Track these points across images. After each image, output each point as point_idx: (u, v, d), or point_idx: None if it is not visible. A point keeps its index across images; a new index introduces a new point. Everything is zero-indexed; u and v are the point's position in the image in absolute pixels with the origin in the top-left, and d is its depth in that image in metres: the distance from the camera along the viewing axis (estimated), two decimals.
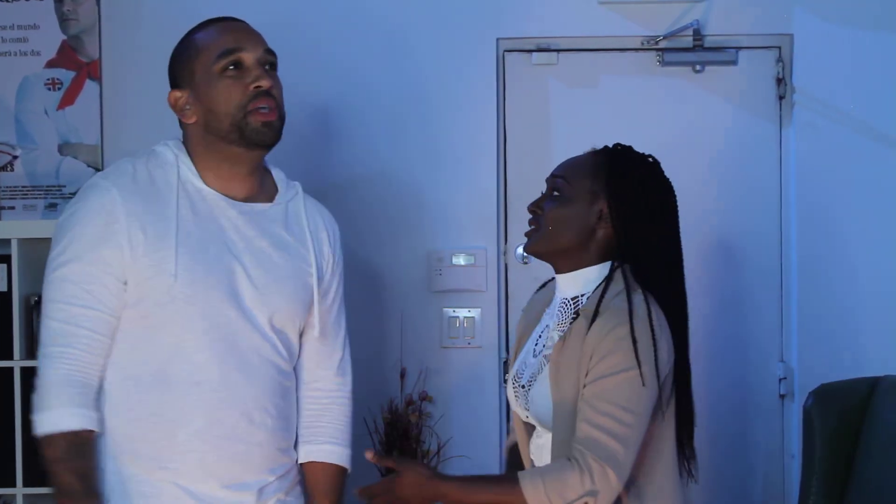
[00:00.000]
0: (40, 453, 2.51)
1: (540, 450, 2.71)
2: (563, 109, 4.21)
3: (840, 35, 4.13)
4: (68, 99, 4.16)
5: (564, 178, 2.69)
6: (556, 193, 2.69)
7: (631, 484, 2.55)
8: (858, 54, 4.13)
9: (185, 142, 2.68)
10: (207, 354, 2.56)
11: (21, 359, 3.82)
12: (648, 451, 2.58)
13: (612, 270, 2.63)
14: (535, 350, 2.76)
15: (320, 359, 2.83)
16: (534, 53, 4.20)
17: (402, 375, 4.10)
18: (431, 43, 4.18)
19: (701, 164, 4.15)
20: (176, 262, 2.51)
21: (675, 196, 2.70)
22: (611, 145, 2.76)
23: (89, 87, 4.17)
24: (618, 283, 2.60)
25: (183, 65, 2.64)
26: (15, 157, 4.14)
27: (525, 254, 4.02)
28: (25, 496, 3.83)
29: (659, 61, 4.19)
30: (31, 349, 3.83)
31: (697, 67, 4.17)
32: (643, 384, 2.49)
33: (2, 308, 3.85)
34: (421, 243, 4.20)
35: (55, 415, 2.49)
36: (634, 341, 2.50)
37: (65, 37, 4.17)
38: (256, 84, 2.61)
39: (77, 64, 4.17)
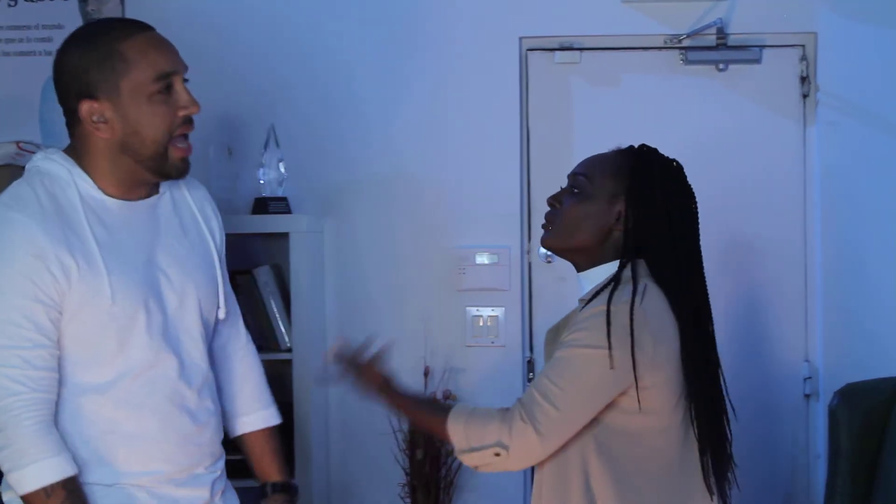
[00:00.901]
0: None
1: None
2: (586, 108, 4.21)
3: (864, 33, 4.12)
4: None
5: (586, 176, 2.66)
6: (575, 190, 2.66)
7: (623, 477, 2.52)
8: (883, 52, 4.11)
9: (80, 151, 2.50)
10: (150, 366, 2.50)
11: None
12: (641, 447, 2.54)
13: (621, 267, 2.59)
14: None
15: (230, 335, 2.80)
16: (557, 52, 4.20)
17: (427, 374, 4.10)
18: (455, 42, 4.19)
19: (724, 162, 4.14)
20: (110, 285, 2.43)
21: (695, 202, 2.67)
22: (636, 145, 2.74)
23: None
24: (625, 279, 2.57)
25: (104, 75, 2.42)
26: None
27: (546, 251, 4.02)
28: None
29: (682, 60, 4.18)
30: None
31: (721, 66, 4.17)
32: (611, 367, 2.44)
33: None
34: (444, 242, 4.20)
35: (49, 465, 2.38)
36: (608, 323, 2.46)
37: None
38: (188, 111, 2.50)
39: None
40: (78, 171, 2.48)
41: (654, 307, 2.52)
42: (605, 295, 2.52)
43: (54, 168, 2.48)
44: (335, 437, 4.22)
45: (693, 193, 2.68)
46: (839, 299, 4.11)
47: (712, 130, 4.15)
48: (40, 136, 4.17)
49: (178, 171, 2.52)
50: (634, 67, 4.21)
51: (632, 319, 2.46)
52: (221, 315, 2.68)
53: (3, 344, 2.38)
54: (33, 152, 3.98)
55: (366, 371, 2.66)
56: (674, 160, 2.71)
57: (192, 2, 4.21)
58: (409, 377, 4.10)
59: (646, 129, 4.11)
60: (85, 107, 2.43)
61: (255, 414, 2.81)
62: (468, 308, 4.19)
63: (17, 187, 2.48)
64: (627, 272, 2.57)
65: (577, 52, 4.20)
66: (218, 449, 2.68)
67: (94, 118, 2.44)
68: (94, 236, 2.44)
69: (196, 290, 2.59)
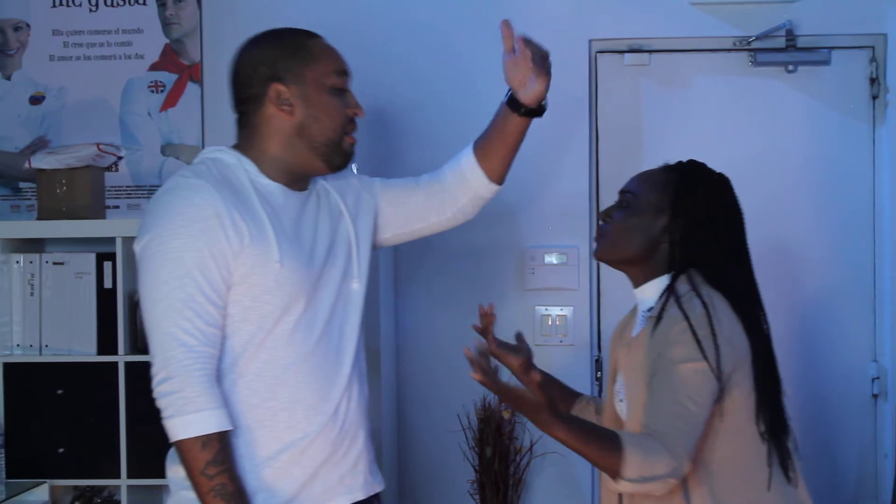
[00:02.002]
0: (187, 457, 2.48)
1: None
2: (655, 110, 4.23)
3: None
4: (171, 101, 4.27)
5: (633, 193, 2.77)
6: (624, 205, 2.77)
7: (713, 478, 2.57)
8: None
9: (252, 136, 2.70)
10: (306, 335, 2.62)
11: (125, 354, 3.91)
12: (724, 447, 2.59)
13: (673, 279, 2.66)
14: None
15: (429, 193, 3.02)
16: (626, 55, 4.23)
17: (496, 373, 4.13)
18: None
19: (793, 164, 4.15)
20: (279, 250, 2.56)
21: (740, 214, 2.74)
22: (685, 161, 2.82)
23: (191, 89, 4.27)
24: (682, 288, 2.63)
25: (292, 63, 2.67)
26: (119, 158, 4.24)
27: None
28: (130, 487, 3.90)
29: (751, 62, 4.19)
30: (136, 345, 3.94)
31: (790, 67, 4.18)
32: (714, 376, 2.51)
33: (107, 304, 3.93)
34: (514, 242, 4.24)
35: (213, 415, 2.48)
36: (696, 336, 2.52)
37: (167, 40, 4.28)
38: (356, 112, 2.73)
39: (179, 67, 4.27)
40: (246, 160, 2.67)
41: (725, 315, 2.59)
42: (675, 308, 2.59)
43: (224, 156, 2.68)
44: (405, 434, 4.27)
45: (737, 205, 2.75)
46: None
47: (781, 132, 4.15)
48: (120, 138, 4.27)
49: (346, 159, 2.74)
50: (703, 69, 4.23)
51: (713, 331, 2.53)
52: (355, 286, 2.78)
53: (179, 297, 2.49)
54: (113, 154, 4.09)
55: (517, 401, 2.51)
56: (720, 174, 2.78)
57: (264, 6, 4.27)
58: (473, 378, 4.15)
59: (714, 130, 4.16)
60: (274, 89, 2.66)
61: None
62: (537, 307, 4.22)
63: (191, 167, 2.66)
64: (684, 284, 2.63)
65: (647, 55, 4.23)
66: (364, 422, 2.77)
67: (281, 100, 2.66)
68: (262, 208, 2.60)
69: (345, 270, 2.73)
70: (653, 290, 2.72)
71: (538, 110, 2.90)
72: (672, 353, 2.54)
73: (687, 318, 2.55)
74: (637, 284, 2.77)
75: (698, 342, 2.52)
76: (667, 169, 2.80)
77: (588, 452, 2.47)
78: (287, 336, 2.60)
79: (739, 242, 2.74)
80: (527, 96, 2.85)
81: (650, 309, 2.70)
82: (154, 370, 2.51)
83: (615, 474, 2.44)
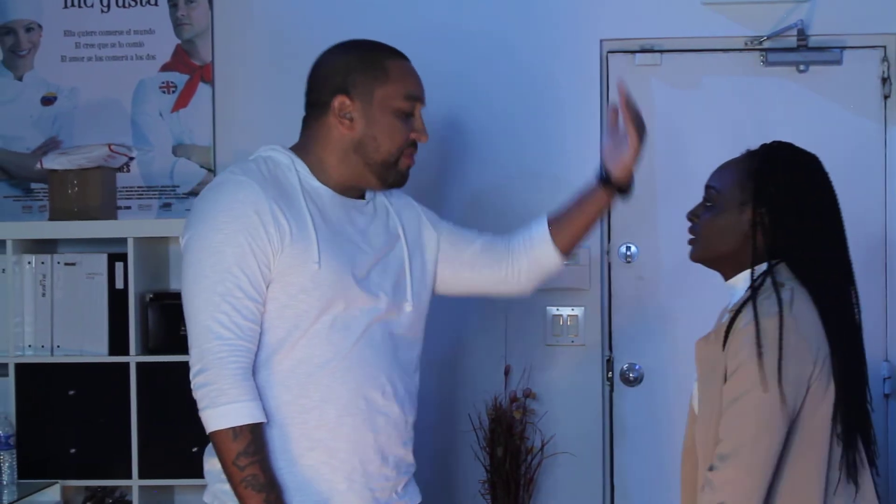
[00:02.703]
0: (220, 448, 2.53)
1: None
2: (667, 109, 4.23)
3: None
4: (182, 101, 4.28)
5: (716, 188, 2.72)
6: (708, 203, 2.73)
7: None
8: None
9: (311, 140, 2.75)
10: (344, 334, 2.64)
11: (137, 354, 3.93)
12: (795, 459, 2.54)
13: (763, 274, 2.62)
14: None
15: (481, 251, 3.05)
16: (637, 54, 4.24)
17: (507, 372, 4.15)
18: (536, 46, 4.23)
19: None
20: (319, 251, 2.59)
21: (829, 193, 2.70)
22: (768, 144, 2.76)
23: (202, 89, 4.28)
24: (766, 286, 2.58)
25: (363, 79, 2.70)
26: (131, 159, 4.25)
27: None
28: (141, 488, 3.93)
29: (762, 61, 4.19)
30: (147, 345, 3.96)
31: (801, 67, 4.17)
32: (781, 402, 2.46)
33: (118, 305, 3.96)
34: None
35: (245, 407, 2.53)
36: (759, 345, 2.47)
37: (179, 41, 4.29)
38: (419, 137, 2.76)
39: (190, 67, 4.28)
40: (299, 162, 2.72)
41: (804, 314, 2.55)
42: (749, 310, 2.54)
43: (277, 155, 2.73)
44: (417, 434, 4.26)
45: (825, 183, 2.71)
46: None
47: (793, 131, 4.10)
48: (131, 139, 4.28)
49: (401, 179, 2.77)
50: (714, 69, 4.23)
51: (781, 335, 2.48)
52: (408, 309, 2.81)
53: (218, 290, 2.55)
54: (124, 154, 4.11)
55: None
56: (806, 154, 2.74)
57: (275, 8, 4.28)
58: (489, 375, 4.16)
59: (726, 130, 4.16)
60: (338, 101, 2.70)
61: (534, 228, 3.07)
62: (548, 307, 4.22)
63: (242, 164, 2.70)
64: (767, 279, 2.59)
65: (658, 55, 4.23)
66: (405, 431, 2.87)
67: (343, 113, 2.70)
68: (307, 209, 2.63)
69: (392, 284, 2.76)
70: (742, 283, 2.67)
71: (628, 187, 2.96)
72: (732, 385, 2.50)
73: (757, 317, 2.50)
74: (727, 278, 2.73)
75: (760, 361, 2.47)
76: (747, 157, 2.75)
77: None
78: (323, 336, 2.63)
79: (831, 229, 2.67)
80: (618, 171, 2.92)
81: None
82: (191, 362, 2.57)
83: None
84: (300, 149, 2.75)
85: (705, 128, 4.18)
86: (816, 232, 2.64)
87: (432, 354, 4.25)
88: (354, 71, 2.70)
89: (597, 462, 4.21)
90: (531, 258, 3.02)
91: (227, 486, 2.58)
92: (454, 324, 4.17)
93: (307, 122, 2.77)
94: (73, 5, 4.31)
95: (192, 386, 2.56)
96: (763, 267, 2.64)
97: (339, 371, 2.64)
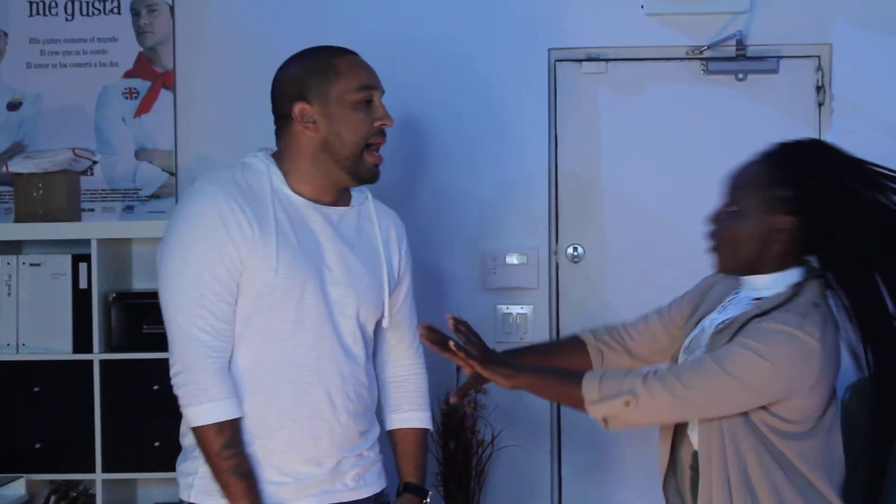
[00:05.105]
0: (204, 441, 2.68)
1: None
2: (612, 116, 4.33)
3: (878, 43, 4.22)
4: (144, 107, 4.33)
5: (735, 194, 2.65)
6: (729, 209, 2.65)
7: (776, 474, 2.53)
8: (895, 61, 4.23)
9: (284, 149, 2.83)
10: (296, 342, 2.75)
11: (100, 352, 3.99)
12: (784, 445, 2.54)
13: (804, 280, 2.59)
14: (710, 329, 2.70)
15: (395, 343, 3.04)
16: (584, 63, 4.32)
17: (458, 369, 4.16)
18: (486, 54, 4.31)
19: None
20: (277, 258, 2.69)
21: (848, 175, 2.58)
22: (785, 141, 2.68)
23: (164, 96, 4.33)
24: (807, 296, 2.55)
25: (317, 81, 2.78)
26: (95, 163, 4.28)
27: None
28: (104, 482, 3.98)
29: (703, 70, 4.29)
30: (110, 343, 4.03)
31: (740, 76, 4.28)
32: (770, 382, 2.46)
33: (82, 304, 4.01)
34: (476, 244, 4.33)
35: (227, 405, 2.68)
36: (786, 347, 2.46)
37: (141, 49, 4.34)
38: (382, 122, 2.83)
39: (153, 74, 4.34)
40: (274, 169, 2.81)
41: (832, 340, 2.53)
42: (790, 316, 2.50)
43: (255, 162, 2.82)
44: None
45: (841, 165, 2.62)
46: None
47: (732, 137, 4.19)
48: (95, 143, 4.33)
49: (369, 175, 2.84)
50: (658, 77, 4.32)
51: (816, 357, 2.47)
52: (385, 325, 2.95)
53: (192, 296, 2.68)
54: (88, 158, 4.16)
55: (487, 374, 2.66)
56: (811, 144, 2.71)
57: (235, 17, 4.35)
58: (440, 372, 4.24)
59: (669, 136, 4.26)
60: (298, 108, 2.78)
61: (404, 413, 3.06)
62: (499, 305, 4.32)
63: (217, 171, 2.83)
64: (807, 293, 2.55)
65: (604, 63, 4.31)
66: (351, 440, 2.87)
67: (305, 118, 2.78)
68: (274, 218, 2.73)
69: (356, 297, 2.83)
70: (765, 280, 2.62)
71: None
72: (749, 339, 2.48)
73: (796, 329, 2.48)
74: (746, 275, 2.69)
75: (784, 352, 2.46)
76: (759, 161, 2.66)
77: (550, 391, 2.67)
78: (274, 342, 2.75)
79: (857, 218, 2.54)
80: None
81: (758, 299, 2.62)
82: (171, 363, 2.71)
83: (580, 403, 2.53)
84: (277, 158, 2.83)
85: (649, 133, 4.29)
86: (836, 230, 2.55)
87: None
88: (307, 76, 2.79)
89: (545, 454, 4.30)
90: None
91: (194, 480, 2.76)
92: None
93: (278, 134, 2.86)
94: (38, 13, 4.34)
95: (172, 384, 2.71)
96: (795, 275, 2.62)
97: (284, 378, 2.75)
